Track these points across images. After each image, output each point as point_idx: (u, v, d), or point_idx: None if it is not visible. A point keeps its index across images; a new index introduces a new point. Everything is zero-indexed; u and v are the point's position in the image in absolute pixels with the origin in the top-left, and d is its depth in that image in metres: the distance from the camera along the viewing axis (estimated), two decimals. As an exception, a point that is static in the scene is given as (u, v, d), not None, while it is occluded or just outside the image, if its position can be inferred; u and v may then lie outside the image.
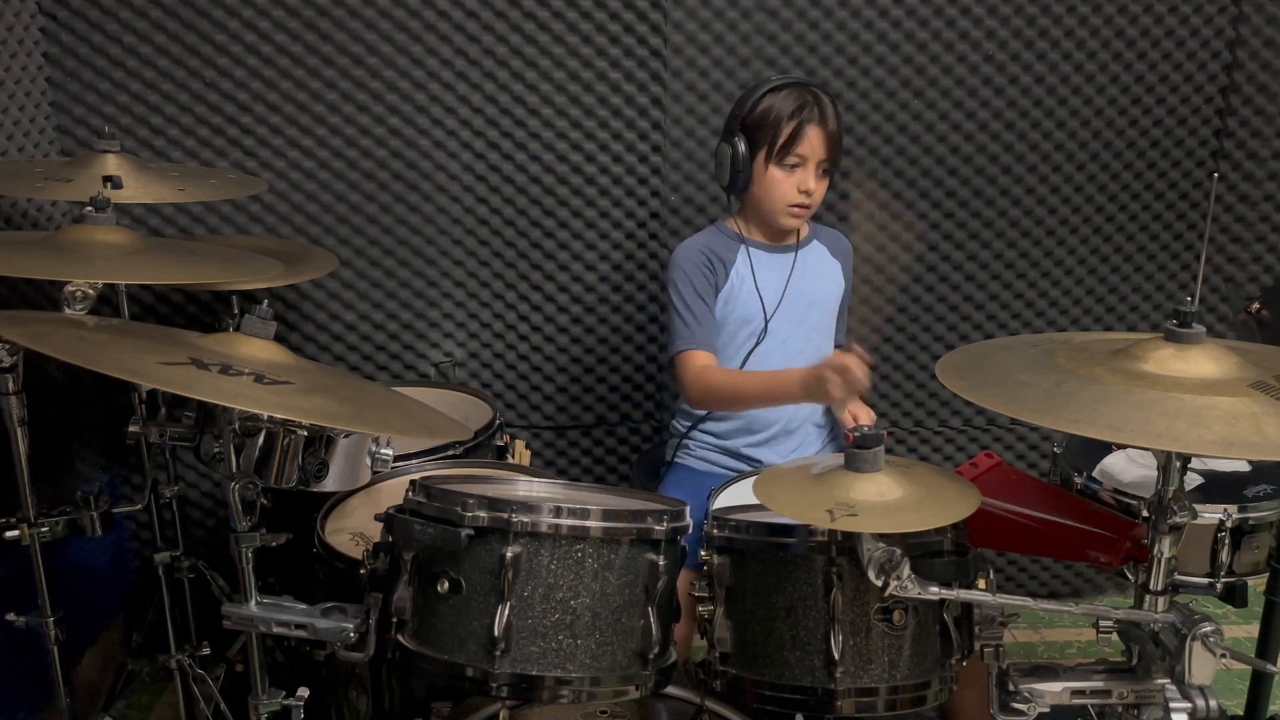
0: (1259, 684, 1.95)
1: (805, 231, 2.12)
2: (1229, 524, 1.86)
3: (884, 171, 2.51)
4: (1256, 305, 1.85)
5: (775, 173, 1.96)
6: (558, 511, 1.28)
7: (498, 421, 2.14)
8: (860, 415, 1.98)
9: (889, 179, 2.52)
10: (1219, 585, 1.91)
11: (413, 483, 1.39)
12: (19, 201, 2.18)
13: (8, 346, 1.54)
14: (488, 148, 2.41)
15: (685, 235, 2.48)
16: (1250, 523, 1.88)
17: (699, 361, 1.99)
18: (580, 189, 2.45)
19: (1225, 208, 2.65)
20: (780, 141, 1.93)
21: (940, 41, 2.44)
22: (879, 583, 1.18)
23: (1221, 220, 2.65)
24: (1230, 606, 1.90)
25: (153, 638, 2.29)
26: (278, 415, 1.23)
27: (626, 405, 2.62)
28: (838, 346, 2.17)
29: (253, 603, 1.41)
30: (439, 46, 2.32)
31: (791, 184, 1.96)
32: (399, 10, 2.29)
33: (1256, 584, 1.89)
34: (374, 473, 1.79)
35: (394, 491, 1.84)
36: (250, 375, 1.22)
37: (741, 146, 1.95)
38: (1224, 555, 1.88)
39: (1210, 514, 1.87)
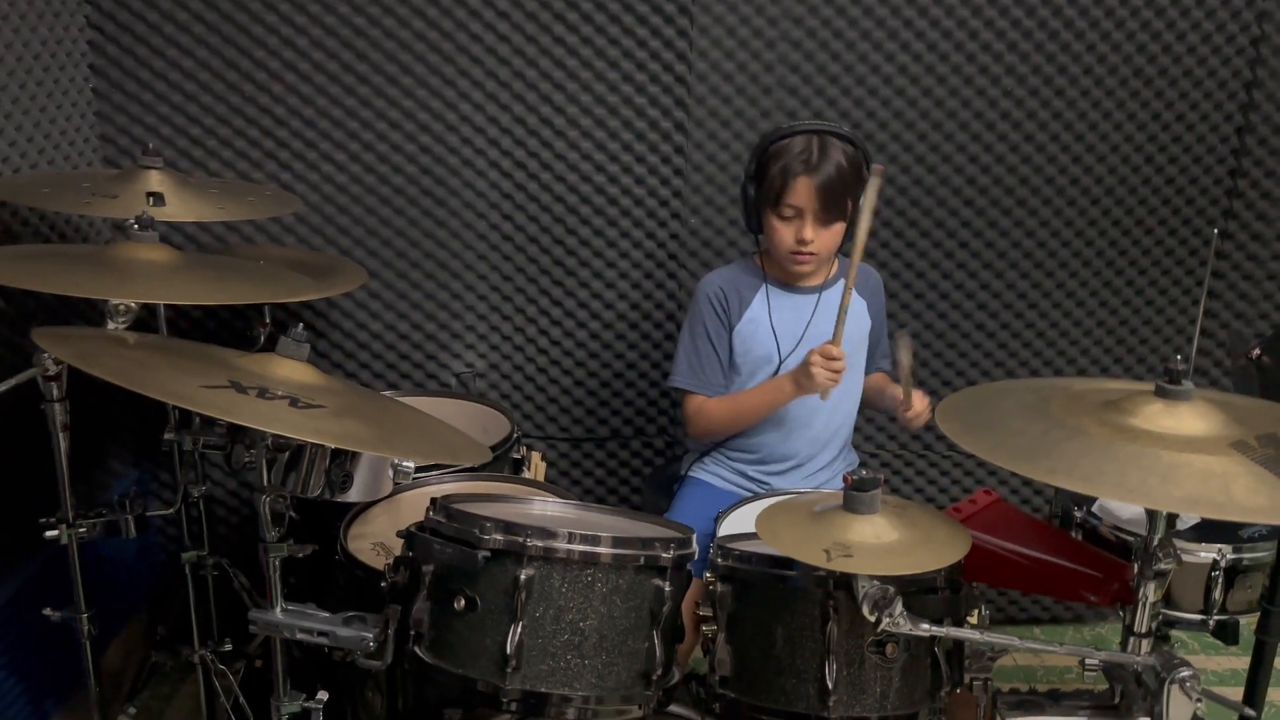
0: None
1: (834, 270, 2.15)
2: (1223, 563, 1.92)
3: (901, 200, 2.57)
4: (1257, 351, 1.89)
5: (774, 221, 1.99)
6: (570, 537, 1.34)
7: (515, 435, 2.21)
8: (917, 402, 1.99)
9: (905, 208, 2.58)
10: (1212, 622, 1.97)
11: (433, 502, 1.46)
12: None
13: (54, 356, 1.63)
14: (514, 167, 2.48)
15: (704, 257, 2.57)
16: (1245, 563, 1.94)
17: (697, 405, 2.12)
18: (603, 209, 2.52)
19: (1233, 265, 2.69)
20: (773, 192, 1.96)
21: (960, 76, 2.49)
22: (872, 618, 1.24)
23: (1229, 278, 2.71)
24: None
25: (176, 632, 2.38)
26: (312, 440, 1.30)
27: (640, 420, 2.69)
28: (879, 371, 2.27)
29: (278, 609, 1.48)
30: (470, 68, 2.39)
31: (789, 233, 1.98)
32: (432, 32, 2.36)
33: (1249, 621, 1.93)
34: (395, 484, 1.87)
35: (414, 502, 1.91)
36: (286, 399, 1.29)
37: (751, 192, 2.00)
38: (1217, 593, 1.94)
39: (1205, 553, 1.93)
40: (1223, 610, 1.96)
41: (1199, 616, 1.97)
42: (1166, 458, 1.16)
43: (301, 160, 2.42)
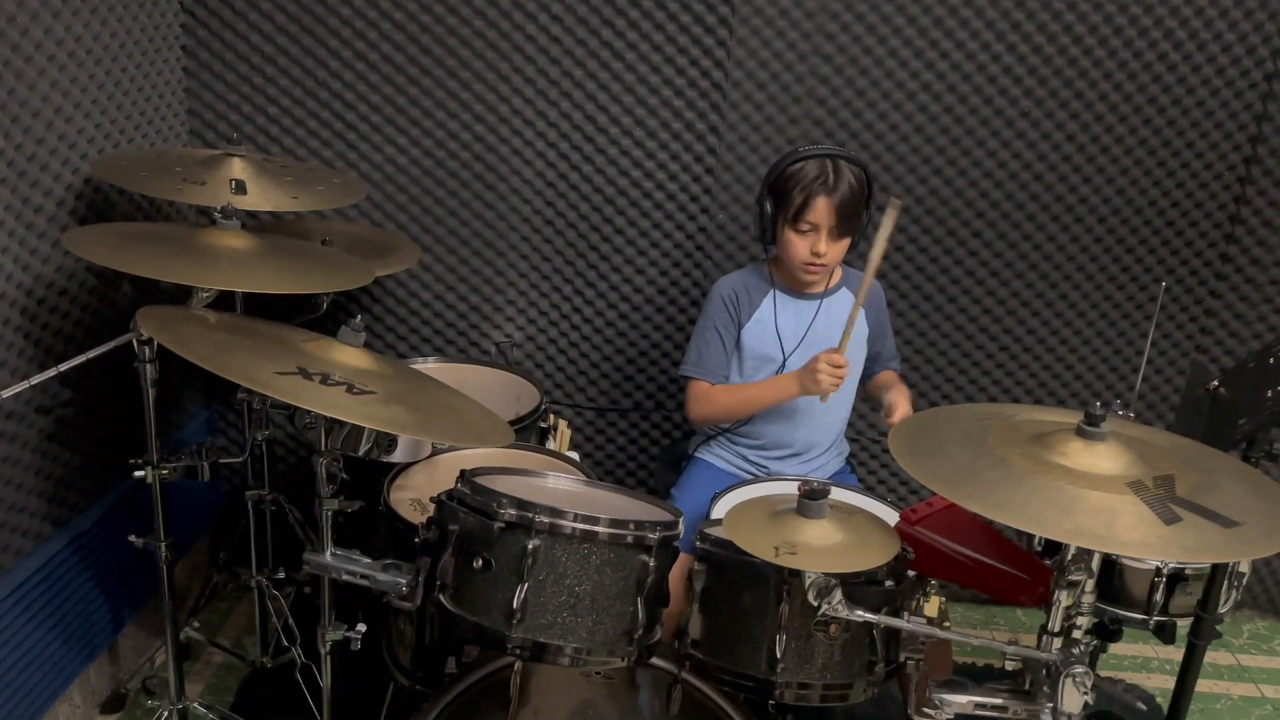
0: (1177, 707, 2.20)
1: (837, 278, 2.36)
2: (1165, 570, 2.12)
3: (917, 209, 2.76)
4: (1215, 384, 2.06)
5: (791, 235, 2.20)
6: (574, 516, 1.58)
7: (543, 406, 2.46)
8: (900, 407, 2.24)
9: (921, 216, 2.76)
10: (1152, 622, 2.18)
11: (461, 474, 1.71)
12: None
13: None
14: (559, 158, 2.70)
15: (728, 250, 2.78)
16: (1187, 572, 2.13)
17: (700, 389, 2.33)
18: (637, 201, 2.74)
19: (1231, 287, 2.85)
20: (793, 209, 2.16)
21: (980, 95, 2.66)
22: (815, 603, 1.48)
23: (1227, 298, 2.87)
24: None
25: (235, 557, 2.69)
26: (363, 424, 1.55)
27: (661, 395, 2.93)
28: (871, 376, 2.48)
29: (328, 553, 1.74)
30: (524, 65, 2.61)
31: (805, 246, 2.19)
32: (491, 31, 2.58)
33: (1187, 624, 2.13)
34: (433, 448, 2.14)
35: (449, 464, 2.17)
36: (344, 385, 1.55)
37: (768, 207, 2.21)
38: (1158, 597, 2.14)
39: (1149, 559, 2.13)
40: (1164, 612, 2.16)
41: (1142, 616, 2.18)
42: (1070, 492, 1.36)
43: (367, 142, 2.67)
